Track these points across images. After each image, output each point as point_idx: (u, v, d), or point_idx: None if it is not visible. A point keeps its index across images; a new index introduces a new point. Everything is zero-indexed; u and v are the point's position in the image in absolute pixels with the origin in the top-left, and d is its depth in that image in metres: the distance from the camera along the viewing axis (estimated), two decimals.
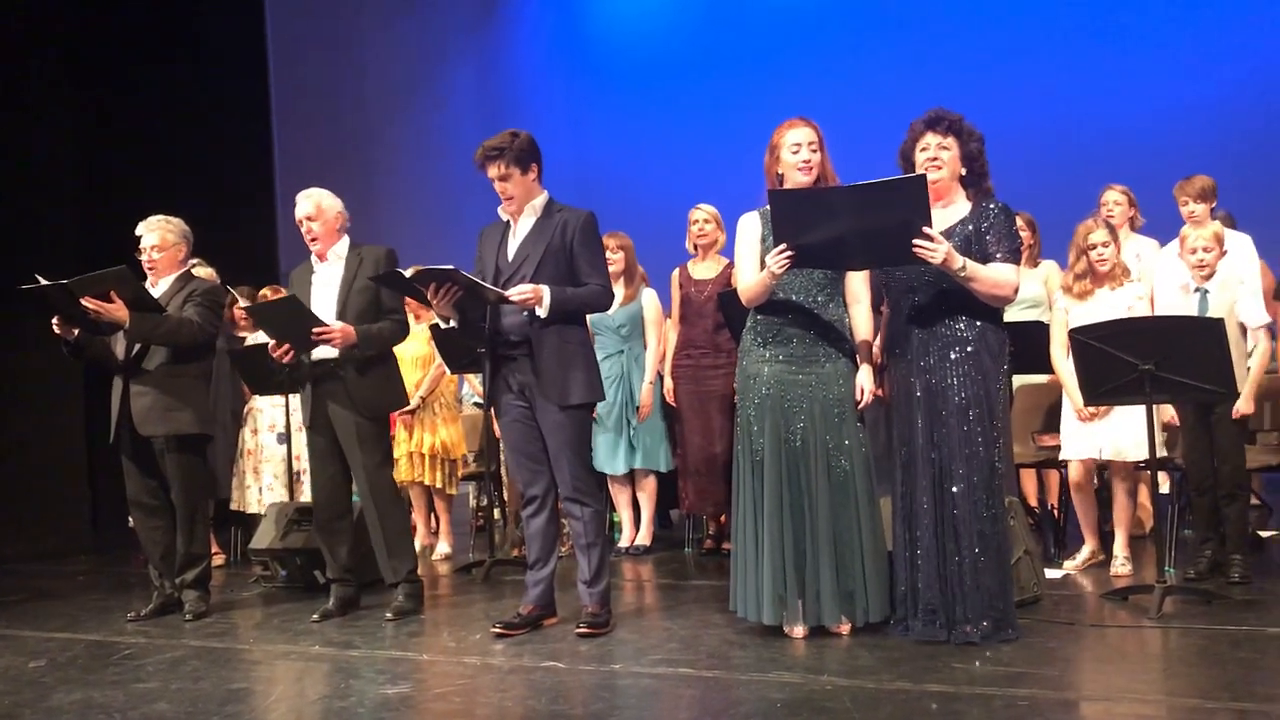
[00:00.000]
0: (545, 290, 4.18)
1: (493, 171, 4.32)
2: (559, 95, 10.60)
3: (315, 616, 4.76)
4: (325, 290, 4.85)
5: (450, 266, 4.20)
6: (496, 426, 5.91)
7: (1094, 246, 5.05)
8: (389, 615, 4.70)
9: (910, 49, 9.31)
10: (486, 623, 4.47)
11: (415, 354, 6.26)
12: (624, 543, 6.24)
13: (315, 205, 4.84)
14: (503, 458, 6.25)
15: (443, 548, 6.39)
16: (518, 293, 4.17)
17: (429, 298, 4.25)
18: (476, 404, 6.80)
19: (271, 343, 4.77)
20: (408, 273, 4.36)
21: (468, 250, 4.52)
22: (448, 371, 6.18)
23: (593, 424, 5.26)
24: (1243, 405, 4.69)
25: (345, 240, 4.89)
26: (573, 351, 4.28)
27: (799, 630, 4.03)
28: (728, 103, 9.81)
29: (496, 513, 6.55)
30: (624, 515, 6.30)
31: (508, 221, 4.42)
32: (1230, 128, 8.11)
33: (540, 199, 4.38)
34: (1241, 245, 5.51)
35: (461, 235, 4.33)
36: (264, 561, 5.60)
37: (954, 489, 3.89)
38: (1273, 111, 8.09)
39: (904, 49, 9.33)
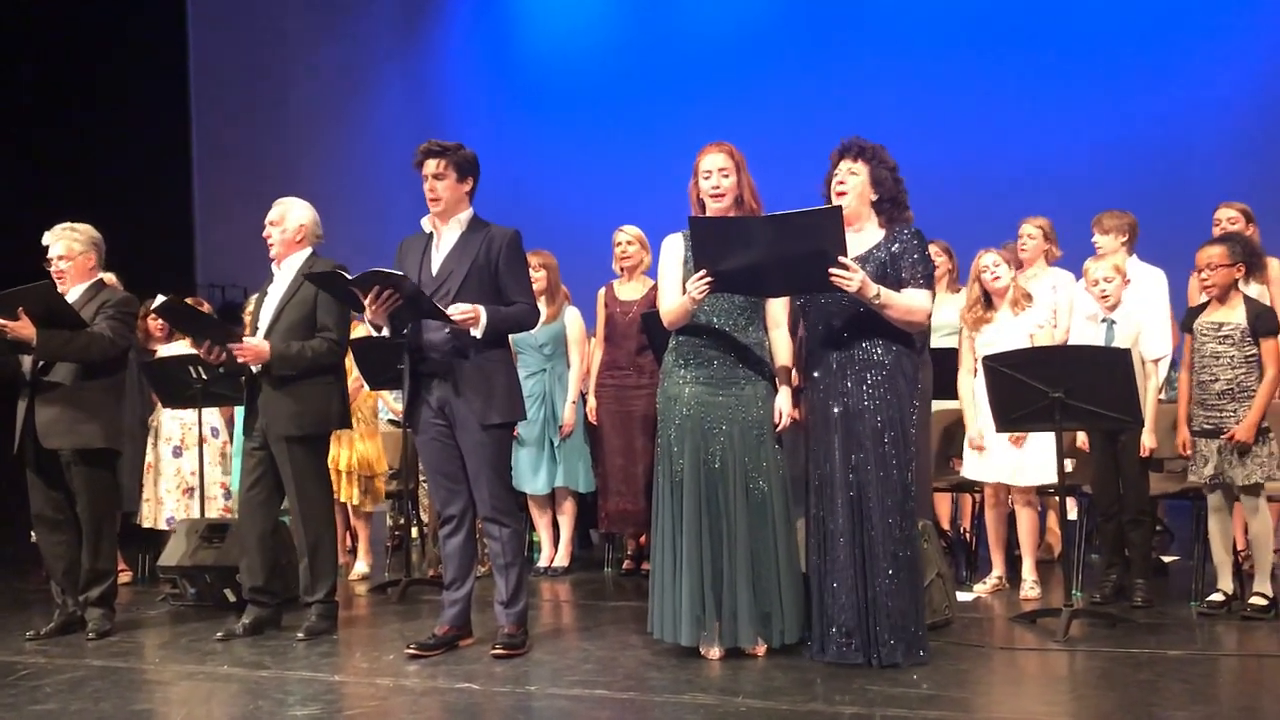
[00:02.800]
0: (483, 311, 4.16)
1: (430, 167, 4.28)
2: (485, 115, 10.58)
3: (219, 635, 4.65)
4: (270, 301, 4.77)
5: (401, 273, 4.16)
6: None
7: (985, 269, 5.18)
8: (301, 635, 4.61)
9: (836, 78, 9.45)
10: (401, 643, 4.41)
11: None
12: (542, 563, 6.20)
13: (280, 213, 4.79)
14: (421, 476, 6.19)
15: (360, 567, 6.29)
16: (459, 311, 4.13)
17: (366, 303, 4.18)
18: (392, 421, 6.72)
19: (201, 346, 4.65)
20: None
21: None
22: (366, 387, 6.10)
23: (513, 443, 5.24)
24: (1147, 440, 4.84)
25: (305, 253, 4.80)
26: (494, 370, 4.26)
27: (715, 651, 4.05)
28: (654, 124, 9.89)
29: (415, 531, 6.47)
30: (543, 535, 6.27)
31: (431, 234, 4.39)
32: (1147, 164, 8.38)
33: (466, 213, 4.36)
34: (1152, 279, 5.68)
35: (384, 261, 4.29)
36: (172, 579, 5.45)
37: (869, 511, 3.94)
38: (1188, 149, 8.37)
39: (830, 77, 9.48)
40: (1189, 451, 4.75)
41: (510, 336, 4.48)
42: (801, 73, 9.61)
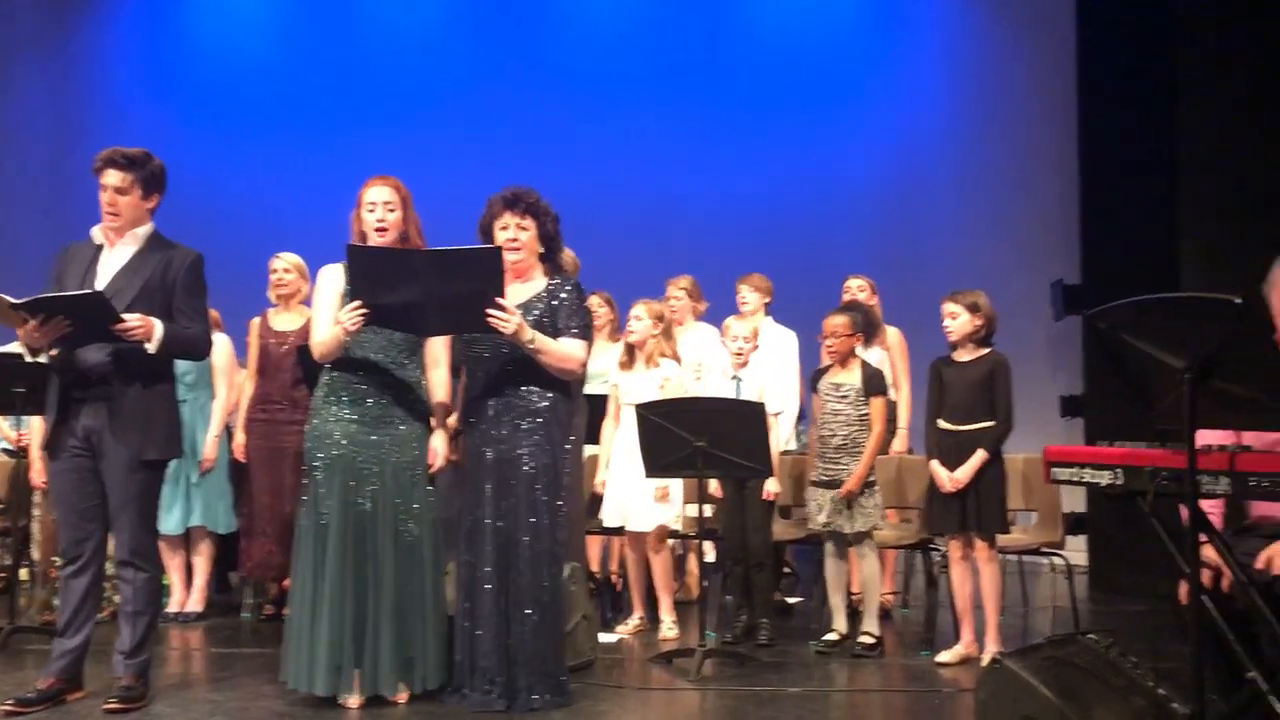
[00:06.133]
0: (157, 324, 3.84)
1: (112, 179, 3.92)
2: (136, 118, 9.78)
3: None
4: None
5: (91, 290, 3.75)
6: (35, 475, 5.33)
7: (628, 321, 5.43)
8: None
9: (509, 118, 9.52)
10: None
11: None
12: (173, 608, 5.78)
13: None
14: (36, 512, 5.62)
15: None
16: (135, 320, 3.77)
17: (28, 325, 3.71)
18: (5, 450, 6.06)
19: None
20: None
21: (24, 289, 3.98)
22: None
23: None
24: (771, 486, 5.19)
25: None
26: (155, 401, 3.96)
27: (354, 700, 3.93)
28: (323, 146, 9.52)
29: (24, 572, 5.85)
30: (174, 578, 5.85)
31: (101, 245, 4.02)
32: (790, 229, 9.05)
33: (146, 229, 4.04)
34: (784, 339, 6.13)
35: (23, 285, 3.84)
36: None
37: (518, 557, 3.97)
38: (826, 219, 9.11)
39: (503, 118, 9.53)
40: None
41: None
42: (471, 107, 9.60)
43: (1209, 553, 2.75)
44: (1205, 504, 2.76)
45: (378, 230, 4.07)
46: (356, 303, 3.84)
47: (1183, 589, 2.87)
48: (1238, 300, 2.36)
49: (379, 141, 9.14)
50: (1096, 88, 7.18)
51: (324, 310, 4.10)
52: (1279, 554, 2.79)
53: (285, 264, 5.79)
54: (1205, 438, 2.77)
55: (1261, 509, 3.11)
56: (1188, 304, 2.70)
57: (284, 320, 5.80)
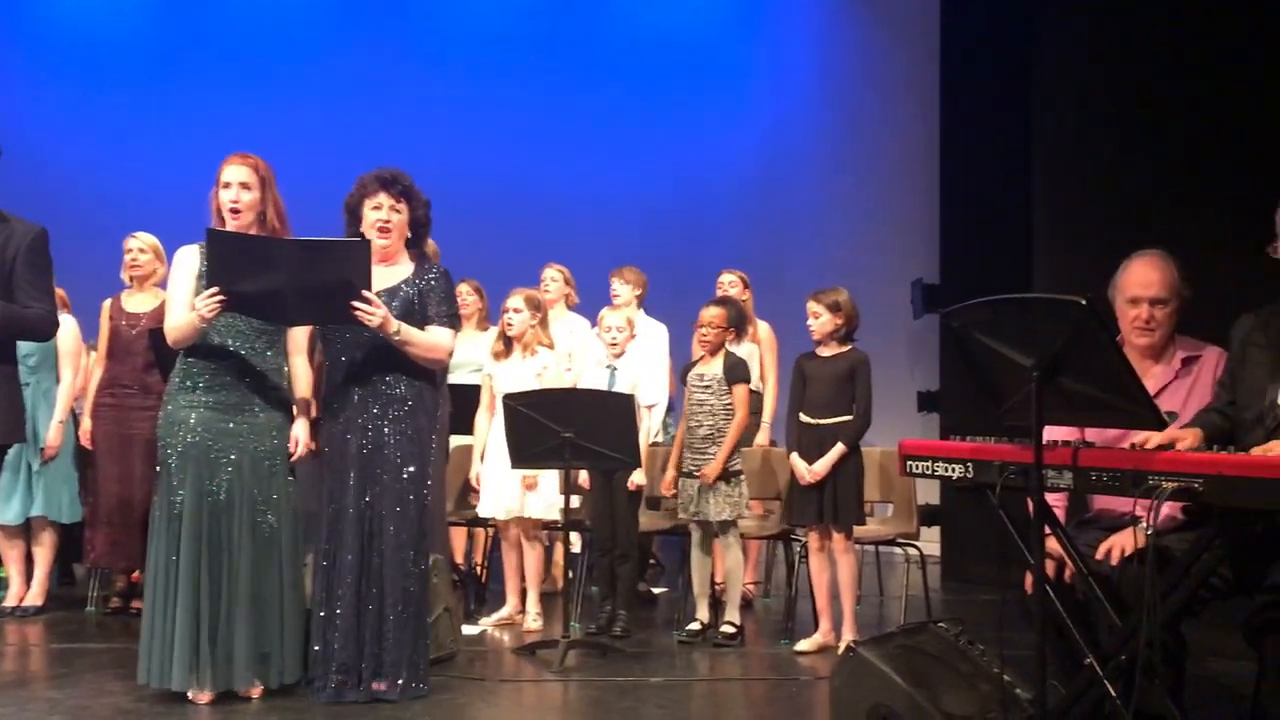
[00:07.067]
0: None
1: None
2: None
3: None
4: None
5: None
6: None
7: (506, 310, 5.40)
8: None
9: (375, 98, 9.32)
10: None
11: None
12: (10, 602, 5.52)
13: None
14: None
15: None
16: None
17: None
18: None
19: None
20: None
21: None
22: None
23: None
24: (637, 478, 5.22)
25: None
26: None
27: (205, 696, 3.81)
28: (184, 121, 9.15)
29: None
30: (12, 570, 5.58)
31: None
32: (664, 223, 9.10)
33: None
34: (656, 332, 6.17)
35: None
36: None
37: (382, 547, 3.91)
38: (700, 214, 9.20)
39: (366, 96, 9.32)
40: (672, 491, 5.19)
41: None
42: (340, 88, 9.35)
43: (1053, 544, 2.86)
44: (1050, 497, 2.87)
45: (231, 211, 3.94)
46: (214, 289, 3.72)
47: (1028, 579, 2.99)
48: (1083, 302, 2.46)
49: (244, 119, 8.84)
50: (956, 92, 7.41)
51: (179, 294, 3.96)
52: (1117, 546, 2.92)
53: (141, 244, 5.58)
54: (1052, 434, 2.89)
55: (1102, 502, 3.26)
56: (1036, 304, 2.81)
57: (137, 302, 5.58)
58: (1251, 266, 3.16)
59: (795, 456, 4.88)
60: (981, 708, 3.09)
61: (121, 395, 5.50)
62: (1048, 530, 2.75)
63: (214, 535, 3.85)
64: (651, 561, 6.54)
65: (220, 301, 3.72)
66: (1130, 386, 2.53)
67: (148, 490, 5.13)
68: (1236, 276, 3.91)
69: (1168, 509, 2.60)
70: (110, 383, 5.53)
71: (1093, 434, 3.10)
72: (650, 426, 5.57)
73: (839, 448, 4.79)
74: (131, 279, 5.61)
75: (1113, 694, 2.65)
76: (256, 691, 3.89)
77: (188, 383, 3.95)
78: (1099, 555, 2.95)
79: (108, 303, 5.61)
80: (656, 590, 6.37)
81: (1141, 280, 3.23)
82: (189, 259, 4.00)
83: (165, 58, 9.49)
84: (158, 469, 3.97)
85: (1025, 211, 6.78)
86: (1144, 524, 2.44)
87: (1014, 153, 6.86)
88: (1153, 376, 3.19)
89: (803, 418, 4.92)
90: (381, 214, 4.03)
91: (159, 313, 5.44)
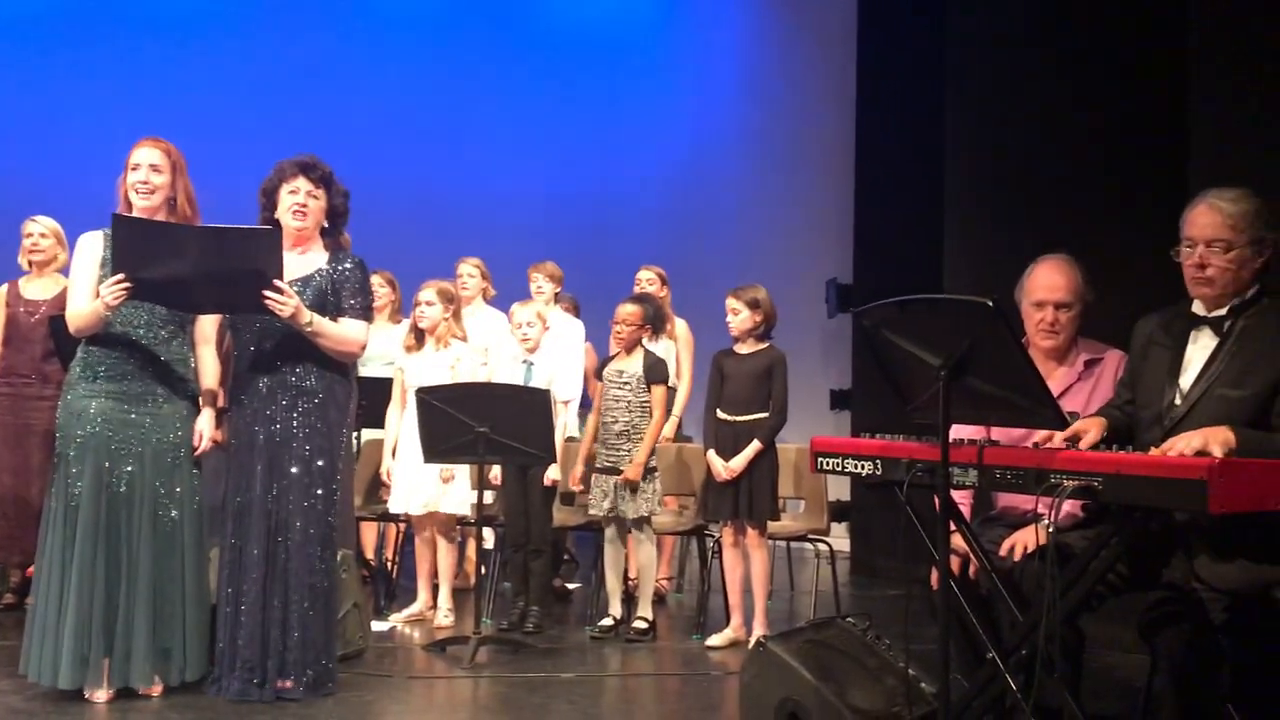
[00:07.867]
0: None
1: None
2: None
3: None
4: None
5: None
6: None
7: (418, 303, 5.32)
8: None
9: (289, 94, 9.14)
10: None
11: None
12: None
13: None
14: None
15: None
16: None
17: None
18: None
19: None
20: None
21: None
22: None
23: None
24: (552, 473, 5.20)
25: None
26: None
27: (101, 694, 3.70)
28: (83, 107, 8.87)
29: None
30: None
31: None
32: (584, 220, 9.08)
33: None
34: (572, 327, 6.15)
35: None
36: None
37: (289, 541, 3.84)
38: (620, 211, 9.19)
39: (281, 91, 9.14)
40: (580, 486, 5.18)
41: None
42: (255, 76, 9.14)
43: (958, 541, 2.91)
44: (956, 494, 2.93)
45: (140, 191, 3.84)
46: (119, 276, 3.62)
47: (934, 574, 3.04)
48: (989, 303, 2.51)
49: (152, 105, 8.59)
50: (872, 97, 7.52)
51: (82, 281, 3.84)
52: (1020, 542, 2.99)
53: (42, 228, 5.41)
54: (959, 432, 2.93)
55: (1006, 500, 3.33)
56: (944, 305, 2.86)
57: (37, 288, 5.40)
58: (1156, 269, 3.25)
59: (712, 453, 4.91)
60: (887, 701, 3.15)
61: (18, 384, 5.32)
62: (953, 527, 2.79)
63: (113, 528, 3.75)
64: (565, 557, 6.53)
65: (126, 289, 3.63)
66: (1034, 387, 2.58)
67: (45, 483, 4.97)
68: (1141, 280, 4.03)
69: (1069, 506, 2.67)
70: (7, 371, 5.34)
71: (998, 433, 3.15)
72: (566, 421, 5.56)
73: (755, 445, 4.83)
74: (31, 264, 5.43)
75: (1013, 687, 2.71)
76: (157, 689, 3.79)
77: (88, 372, 3.85)
78: (1002, 552, 3.01)
79: (4, 288, 5.43)
80: (571, 586, 6.36)
81: (1046, 284, 3.30)
82: (93, 245, 3.89)
83: (72, 36, 9.18)
84: (55, 459, 3.85)
85: (937, 213, 6.90)
86: (1045, 521, 2.49)
87: (928, 155, 6.97)
88: (1056, 378, 3.26)
89: (720, 414, 4.95)
90: (299, 198, 3.96)
91: (60, 300, 5.27)
